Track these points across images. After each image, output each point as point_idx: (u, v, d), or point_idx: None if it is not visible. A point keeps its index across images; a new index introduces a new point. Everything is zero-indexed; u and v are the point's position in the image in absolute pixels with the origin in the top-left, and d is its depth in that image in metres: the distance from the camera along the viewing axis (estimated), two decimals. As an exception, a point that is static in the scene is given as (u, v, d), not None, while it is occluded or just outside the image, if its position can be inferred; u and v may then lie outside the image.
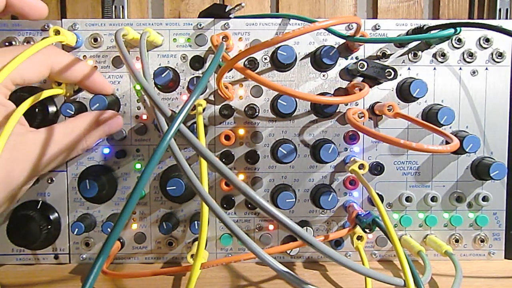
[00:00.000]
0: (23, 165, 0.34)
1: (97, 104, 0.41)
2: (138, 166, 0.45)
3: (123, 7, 0.64)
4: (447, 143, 0.38)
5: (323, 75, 0.45)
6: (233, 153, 0.44)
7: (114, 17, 0.62)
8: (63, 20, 0.43)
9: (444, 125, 0.42)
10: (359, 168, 0.41)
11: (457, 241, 0.45)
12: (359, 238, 0.42)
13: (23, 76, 0.35)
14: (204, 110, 0.43)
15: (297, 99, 0.42)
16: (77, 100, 0.44)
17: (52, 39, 0.39)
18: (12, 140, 0.32)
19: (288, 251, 0.43)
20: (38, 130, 0.37)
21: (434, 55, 0.45)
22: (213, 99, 0.44)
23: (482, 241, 0.45)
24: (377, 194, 0.43)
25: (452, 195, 0.45)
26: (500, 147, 0.45)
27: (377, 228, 0.38)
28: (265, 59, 0.44)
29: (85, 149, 0.41)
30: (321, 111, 0.43)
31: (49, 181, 0.44)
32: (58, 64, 0.38)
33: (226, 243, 0.45)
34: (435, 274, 0.41)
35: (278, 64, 0.43)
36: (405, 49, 0.44)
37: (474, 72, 0.45)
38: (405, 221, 0.45)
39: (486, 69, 0.45)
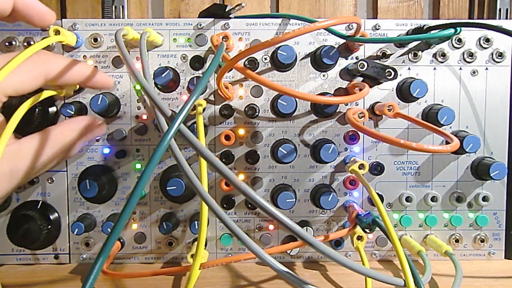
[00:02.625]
0: (12, 175, 0.34)
1: (98, 104, 0.41)
2: (138, 166, 0.45)
3: (123, 7, 0.64)
4: (447, 143, 0.38)
5: (323, 75, 0.45)
6: (233, 153, 0.44)
7: (114, 17, 0.62)
8: (63, 20, 0.43)
9: (444, 125, 0.42)
10: (359, 168, 0.41)
11: (457, 241, 0.45)
12: (359, 238, 0.42)
13: (15, 87, 0.34)
14: (204, 110, 0.43)
15: (297, 99, 0.42)
16: (77, 100, 0.44)
17: (52, 39, 0.39)
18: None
19: (288, 251, 0.43)
20: (27, 138, 0.35)
21: (434, 55, 0.45)
22: (213, 99, 0.44)
23: (482, 241, 0.45)
24: (377, 194, 0.43)
25: (452, 195, 0.45)
26: (500, 147, 0.45)
27: (377, 228, 0.38)
28: (265, 59, 0.44)
29: (70, 156, 0.40)
30: (321, 111, 0.43)
31: (49, 181, 0.44)
32: (52, 71, 0.36)
33: (226, 243, 0.45)
34: (435, 274, 0.41)
35: (278, 64, 0.43)
36: (405, 49, 0.44)
37: (474, 72, 0.45)
38: (405, 221, 0.45)
39: (486, 69, 0.45)
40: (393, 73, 0.42)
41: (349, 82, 0.44)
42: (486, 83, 0.45)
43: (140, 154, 0.44)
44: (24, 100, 0.36)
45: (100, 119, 0.42)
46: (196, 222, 0.43)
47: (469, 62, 0.45)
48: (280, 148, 0.42)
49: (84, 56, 0.44)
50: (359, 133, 0.44)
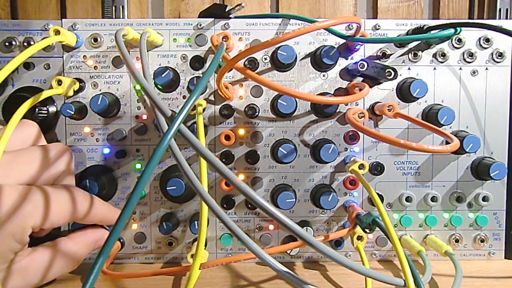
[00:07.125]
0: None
1: (98, 104, 0.41)
2: (138, 166, 0.45)
3: (123, 7, 0.64)
4: (447, 143, 0.38)
5: (323, 75, 0.45)
6: (233, 153, 0.44)
7: (114, 17, 0.62)
8: (63, 20, 0.43)
9: (444, 125, 0.42)
10: (359, 168, 0.41)
11: (457, 241, 0.45)
12: (359, 238, 0.42)
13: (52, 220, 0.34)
14: (204, 110, 0.43)
15: (297, 99, 0.42)
16: (77, 100, 0.44)
17: (52, 39, 0.39)
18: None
19: (288, 251, 0.43)
20: (38, 251, 0.35)
21: (434, 55, 0.45)
22: (213, 99, 0.44)
23: (482, 241, 0.45)
24: (377, 194, 0.43)
25: (452, 195, 0.45)
26: (500, 147, 0.45)
27: (377, 228, 0.38)
28: (265, 59, 0.44)
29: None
30: (321, 111, 0.43)
31: (49, 181, 0.44)
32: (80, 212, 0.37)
33: (226, 243, 0.45)
34: (435, 274, 0.41)
35: (278, 64, 0.43)
36: (405, 49, 0.44)
37: (474, 72, 0.45)
38: (405, 221, 0.45)
39: (486, 69, 0.45)
40: (393, 73, 0.42)
41: (349, 82, 0.44)
42: (486, 83, 0.45)
43: (140, 154, 0.44)
44: (24, 100, 0.36)
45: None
46: (196, 222, 0.43)
47: (469, 62, 0.45)
48: (280, 148, 0.42)
49: (84, 56, 0.44)
50: (359, 133, 0.44)
